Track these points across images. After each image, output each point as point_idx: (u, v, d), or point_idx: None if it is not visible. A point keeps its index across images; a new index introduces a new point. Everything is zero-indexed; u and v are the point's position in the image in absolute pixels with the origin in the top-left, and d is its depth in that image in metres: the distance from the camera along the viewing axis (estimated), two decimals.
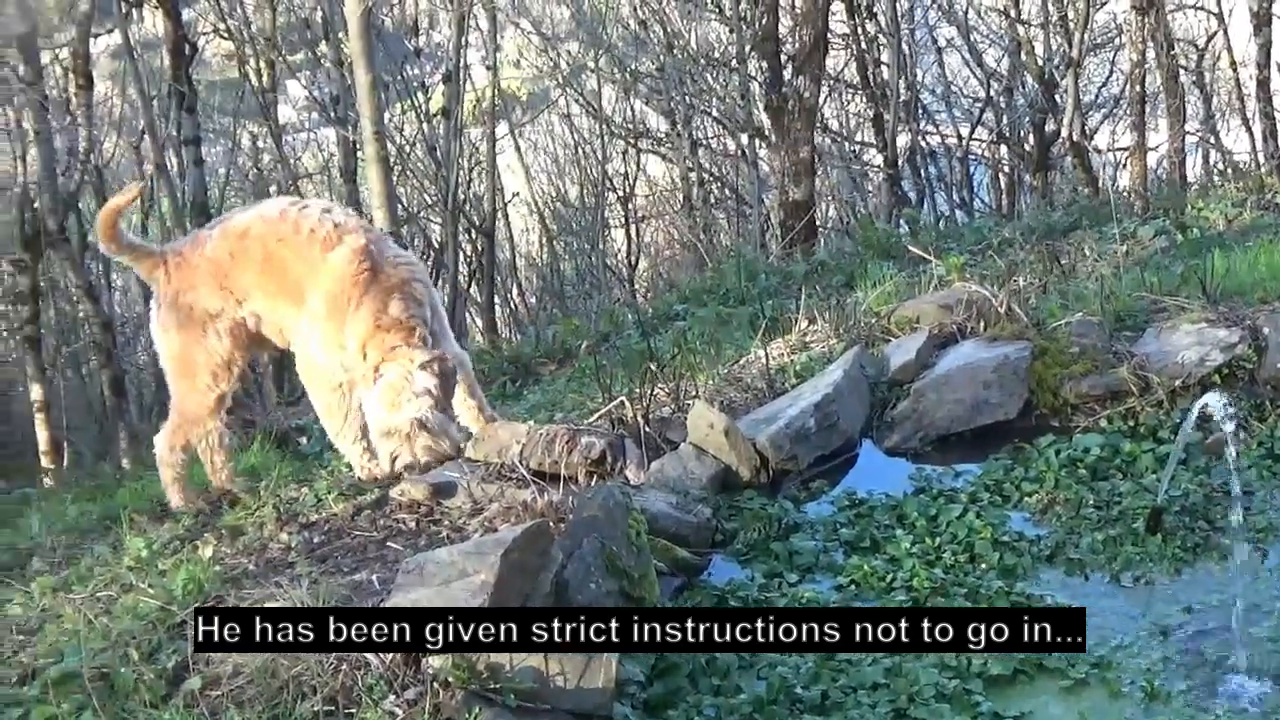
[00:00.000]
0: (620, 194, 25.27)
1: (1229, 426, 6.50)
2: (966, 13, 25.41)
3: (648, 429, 7.36)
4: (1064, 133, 21.77)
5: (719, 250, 20.15)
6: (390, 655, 4.94)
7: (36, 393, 16.96)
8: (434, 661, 4.88)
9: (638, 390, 7.65)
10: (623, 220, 25.47)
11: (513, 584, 5.23)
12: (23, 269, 16.71)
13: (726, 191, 24.95)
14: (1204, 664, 5.68)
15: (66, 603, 5.87)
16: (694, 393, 7.83)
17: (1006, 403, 8.03)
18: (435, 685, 4.81)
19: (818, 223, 20.09)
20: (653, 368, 8.08)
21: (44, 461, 16.65)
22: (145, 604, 5.63)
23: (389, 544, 6.33)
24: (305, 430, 9.27)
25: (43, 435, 16.82)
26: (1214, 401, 6.54)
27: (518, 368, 11.57)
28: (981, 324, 8.81)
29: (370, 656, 4.95)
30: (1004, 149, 26.08)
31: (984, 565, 6.52)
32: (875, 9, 23.77)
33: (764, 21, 18.52)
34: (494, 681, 4.84)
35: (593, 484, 6.77)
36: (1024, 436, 7.87)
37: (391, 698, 4.82)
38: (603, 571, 5.57)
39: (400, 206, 19.13)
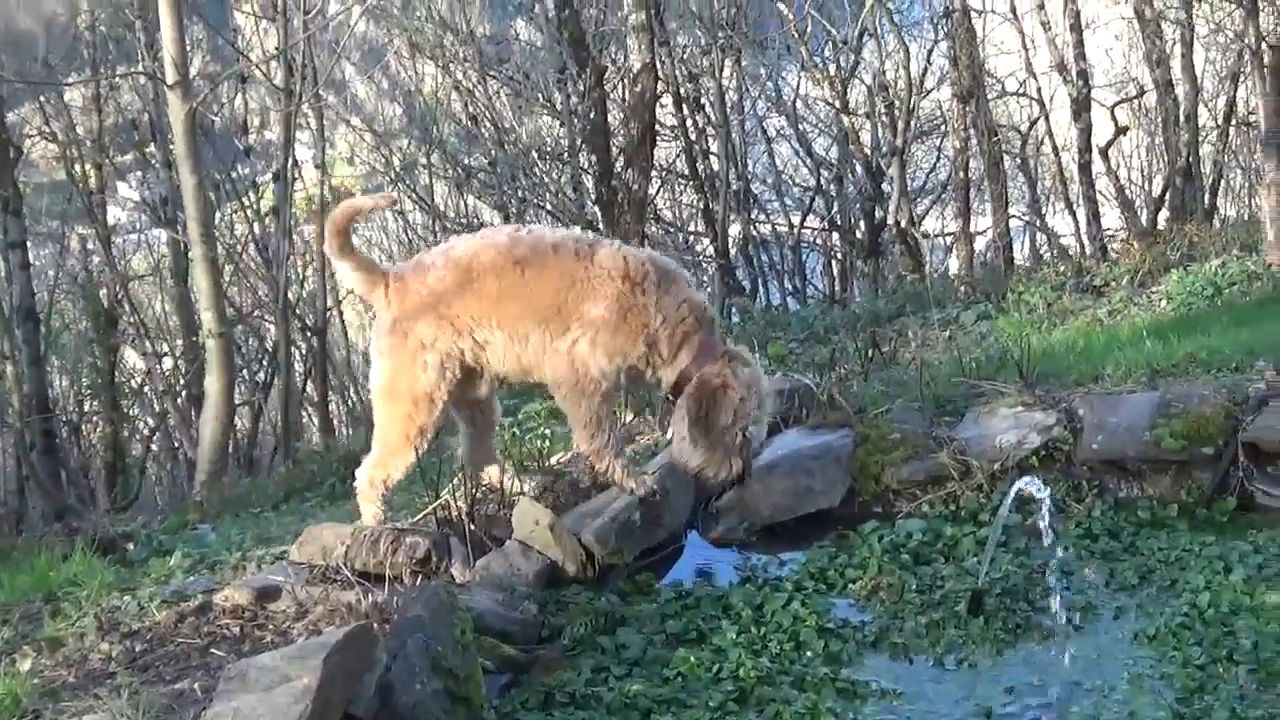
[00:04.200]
0: None
1: (1046, 509, 6.63)
2: (795, 103, 25.71)
3: (473, 527, 7.33)
4: (891, 220, 22.06)
5: None
6: None
7: None
8: None
9: (464, 488, 7.64)
10: None
11: (336, 686, 5.19)
12: None
13: None
14: None
15: None
16: (520, 489, 7.83)
17: (830, 490, 8.11)
18: None
19: None
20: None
21: None
22: None
23: (212, 650, 6.25)
24: (132, 536, 9.16)
25: None
26: (1030, 484, 6.66)
27: (348, 467, 11.45)
28: (804, 412, 8.88)
29: None
30: (835, 236, 26.35)
31: (810, 653, 6.53)
32: (703, 101, 24.00)
33: (593, 115, 18.67)
34: None
35: (418, 584, 6.75)
36: (848, 523, 7.92)
37: None
38: (428, 671, 5.53)
39: (231, 307, 19.01)
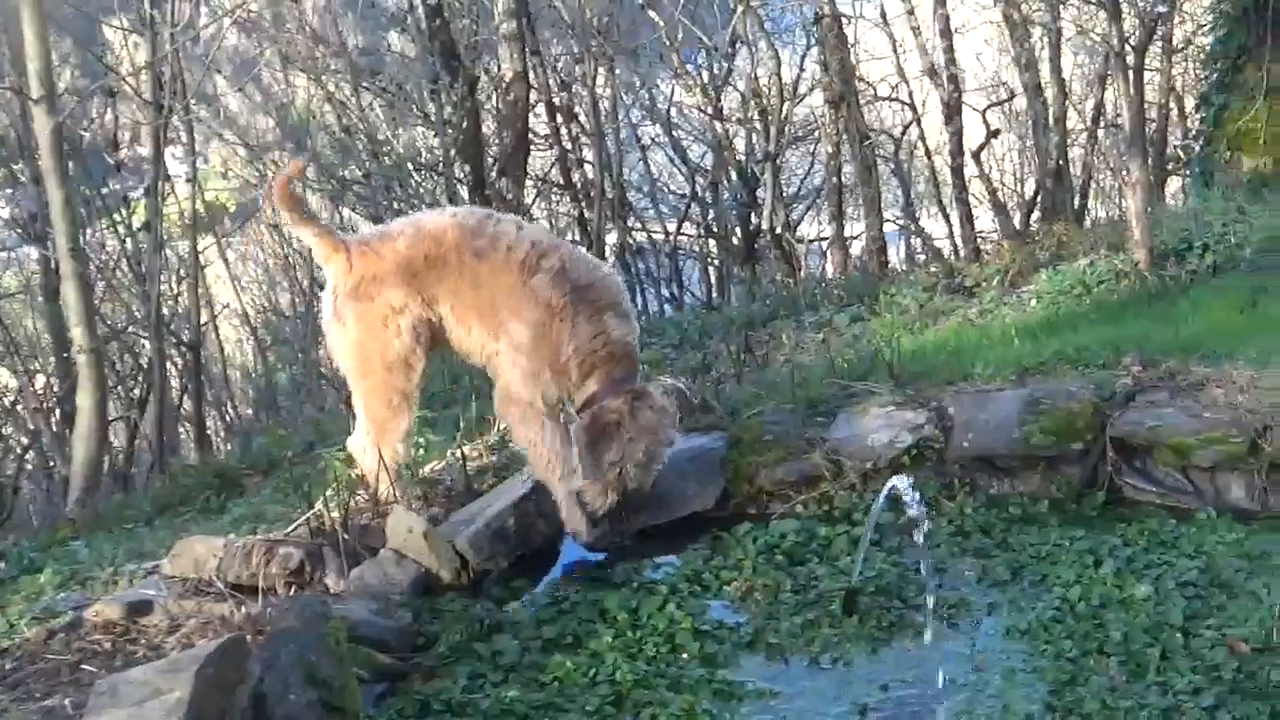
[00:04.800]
0: None
1: (916, 507, 6.67)
2: (669, 110, 25.77)
3: (347, 536, 7.30)
4: (766, 225, 22.16)
5: None
6: None
7: None
8: None
9: (338, 498, 7.60)
10: None
11: (209, 700, 5.13)
12: None
13: None
14: None
15: None
16: (393, 498, 7.80)
17: (704, 493, 8.12)
18: None
19: None
20: (353, 475, 8.03)
21: None
22: None
23: (83, 666, 6.18)
24: (3, 554, 9.05)
25: None
26: (902, 483, 6.69)
27: (223, 481, 11.39)
28: (679, 416, 8.88)
29: None
30: (712, 243, 26.44)
31: (686, 655, 6.52)
32: (577, 109, 24.01)
33: (466, 125, 18.64)
34: None
35: (292, 594, 6.72)
36: (722, 525, 7.90)
37: None
38: (301, 683, 5.49)
39: (103, 324, 18.80)
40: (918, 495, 6.66)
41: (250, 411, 26.01)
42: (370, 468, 7.77)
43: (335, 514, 7.49)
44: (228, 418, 25.10)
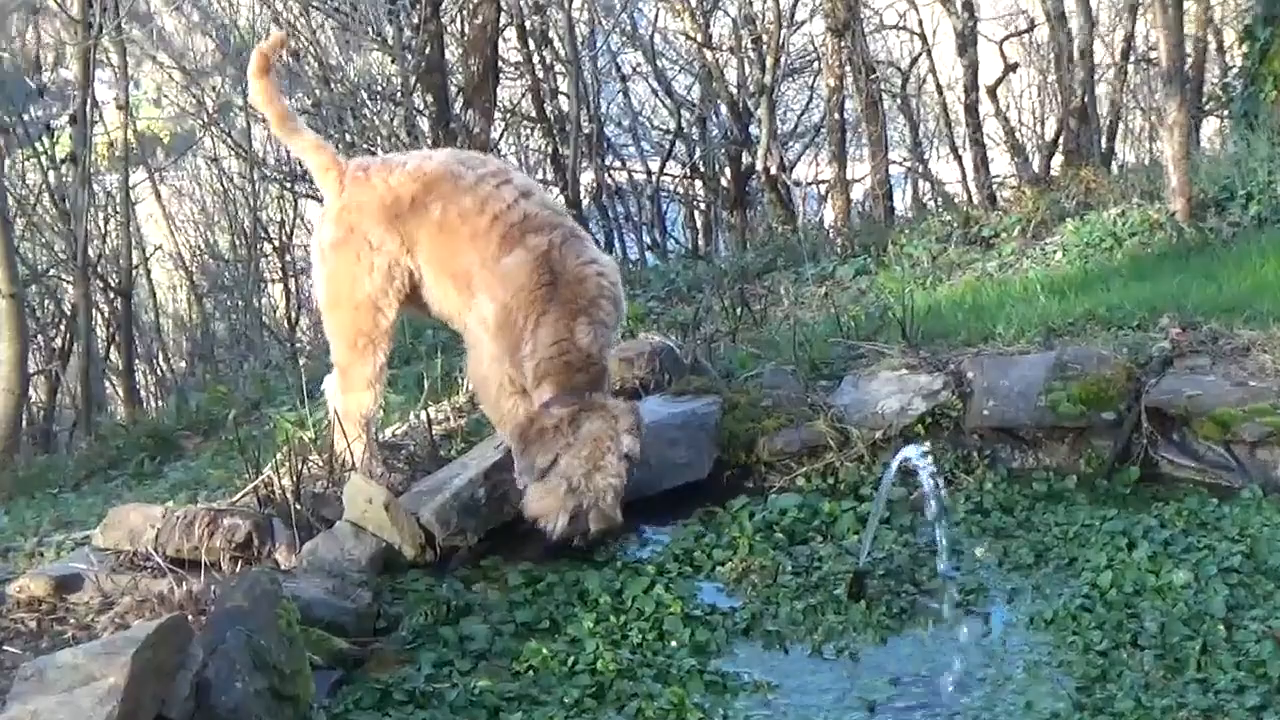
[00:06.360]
0: (276, 244, 24.99)
1: (931, 481, 6.66)
2: (652, 37, 25.64)
3: (299, 506, 7.28)
4: (759, 166, 22.10)
5: None
6: None
7: None
8: None
9: (288, 464, 7.57)
10: (280, 273, 25.18)
11: (146, 687, 5.11)
12: None
13: None
14: None
15: None
16: (351, 465, 7.77)
17: (695, 463, 8.11)
18: None
19: None
20: (305, 438, 8.01)
21: None
22: None
23: (5, 648, 6.15)
24: None
25: None
26: (915, 454, 6.69)
27: (158, 442, 11.37)
28: (667, 378, 8.87)
29: None
30: (698, 184, 26.36)
31: (674, 642, 6.52)
32: (551, 35, 23.90)
33: (429, 51, 18.55)
34: None
35: (238, 570, 6.69)
36: (715, 499, 7.92)
37: None
38: (249, 668, 5.46)
39: (23, 265, 18.70)
40: (932, 468, 6.66)
41: (185, 365, 25.91)
42: (347, 426, 7.84)
43: (286, 481, 7.48)
44: (160, 371, 24.98)
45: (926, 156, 25.78)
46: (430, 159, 7.72)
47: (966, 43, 21.57)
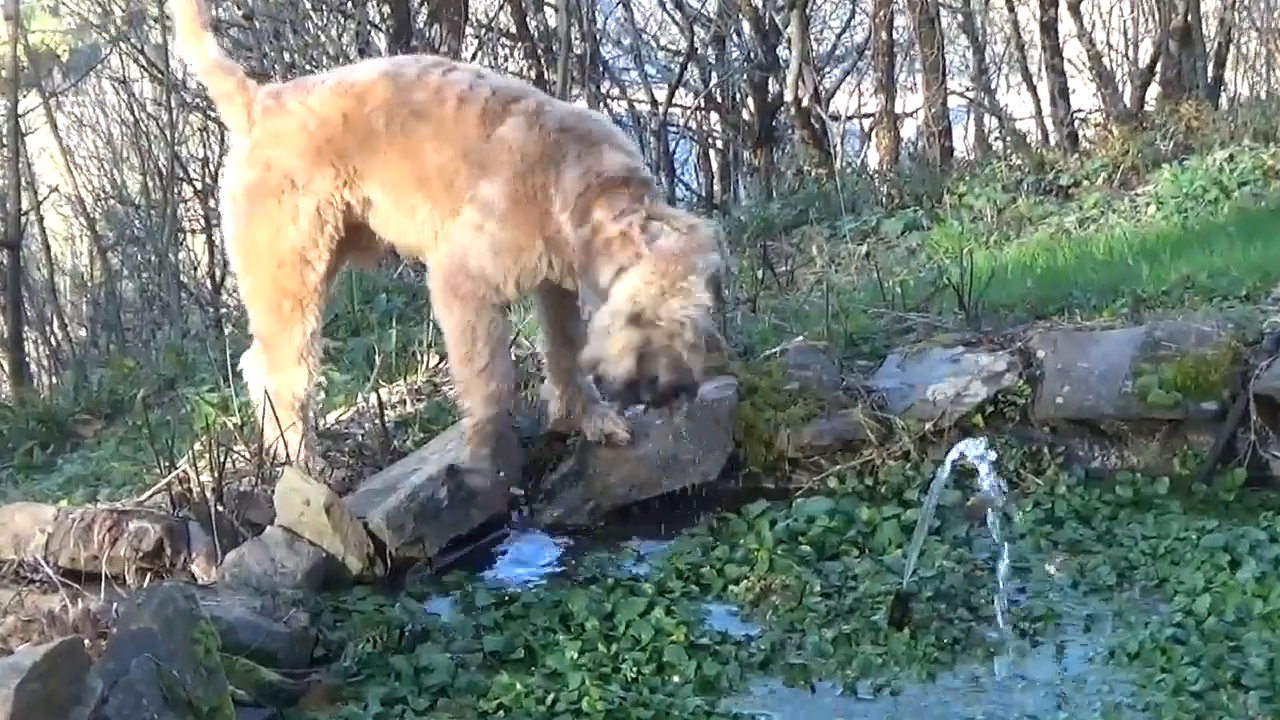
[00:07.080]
0: (198, 186, 25.00)
1: (992, 483, 6.67)
2: None
3: (221, 508, 7.29)
4: (789, 96, 22.09)
5: None
6: None
7: None
8: None
9: (209, 456, 7.59)
10: (203, 222, 25.16)
11: None
12: None
13: None
14: None
15: None
16: (285, 458, 7.78)
17: (705, 459, 8.09)
18: None
19: None
20: (229, 424, 8.02)
21: None
22: None
23: None
24: None
25: None
26: (973, 450, 6.70)
27: (50, 428, 11.40)
28: None
29: None
30: (714, 117, 26.36)
31: (677, 678, 6.51)
32: None
33: None
34: None
35: (146, 585, 6.71)
36: (729, 503, 7.95)
37: None
38: (159, 704, 5.48)
39: None
40: (994, 468, 6.67)
41: (85, 334, 25.91)
42: (280, 409, 7.78)
43: (205, 477, 7.49)
44: (54, 341, 25.00)
45: (993, 86, 25.77)
46: (353, 70, 7.72)
47: None
